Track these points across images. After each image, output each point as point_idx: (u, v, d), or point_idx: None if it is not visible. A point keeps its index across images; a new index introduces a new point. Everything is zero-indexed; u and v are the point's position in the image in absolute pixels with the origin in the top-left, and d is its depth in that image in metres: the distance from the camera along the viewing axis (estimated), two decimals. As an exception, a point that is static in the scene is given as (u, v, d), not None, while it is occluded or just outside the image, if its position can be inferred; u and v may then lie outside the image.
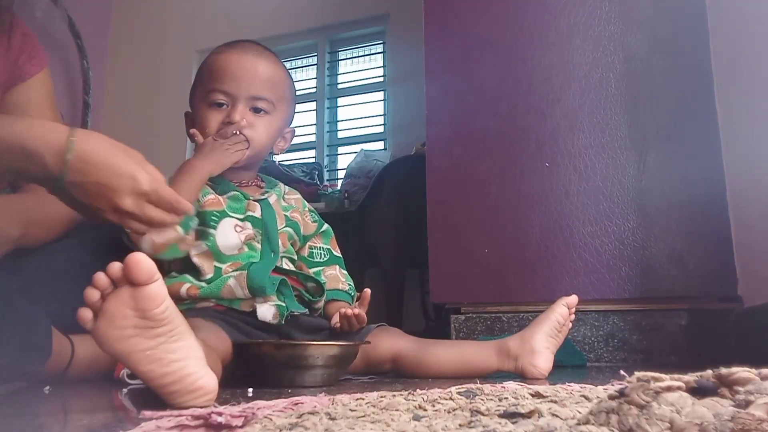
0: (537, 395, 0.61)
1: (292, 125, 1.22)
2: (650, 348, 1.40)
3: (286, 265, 1.11)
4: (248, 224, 1.08)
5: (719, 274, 1.37)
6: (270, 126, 1.12)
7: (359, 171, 2.78)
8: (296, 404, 0.57)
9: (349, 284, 1.20)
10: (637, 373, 0.38)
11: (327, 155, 3.34)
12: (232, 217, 1.07)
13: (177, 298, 0.99)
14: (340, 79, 3.46)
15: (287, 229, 1.14)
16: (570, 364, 1.28)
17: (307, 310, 1.09)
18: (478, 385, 0.67)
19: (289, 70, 1.20)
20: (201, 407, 0.55)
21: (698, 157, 1.43)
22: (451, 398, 0.58)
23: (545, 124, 1.56)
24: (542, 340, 1.01)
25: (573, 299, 1.06)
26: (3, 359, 0.73)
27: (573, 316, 1.07)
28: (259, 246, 1.07)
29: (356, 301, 1.13)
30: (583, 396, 0.60)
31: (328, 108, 3.41)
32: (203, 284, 1.01)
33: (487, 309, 1.54)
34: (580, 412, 0.46)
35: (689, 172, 1.43)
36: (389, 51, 3.26)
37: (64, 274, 0.94)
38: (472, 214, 1.58)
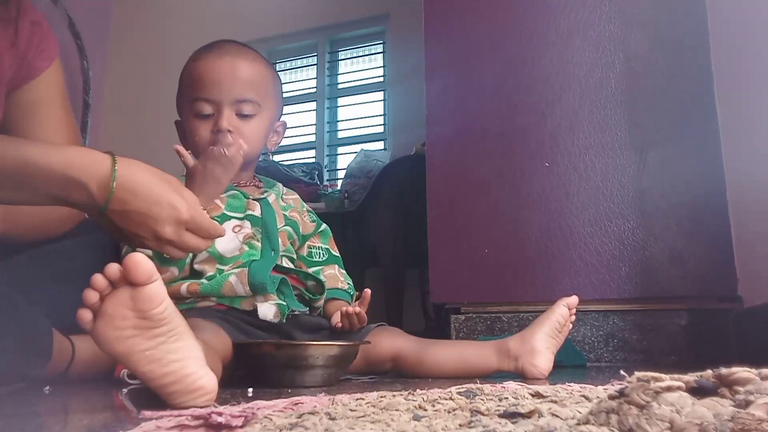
0: (537, 395, 0.61)
1: (284, 120, 1.21)
2: (650, 348, 1.40)
3: (286, 263, 1.11)
4: (247, 223, 1.08)
5: (719, 274, 1.37)
6: (258, 126, 1.10)
7: (359, 171, 2.78)
8: (296, 404, 0.57)
9: (348, 283, 1.20)
10: (637, 373, 0.38)
11: (327, 155, 3.34)
12: (232, 217, 1.07)
13: (178, 297, 0.99)
14: (340, 79, 3.46)
15: (287, 227, 1.14)
16: (570, 364, 1.28)
17: (307, 309, 1.09)
18: (478, 385, 0.67)
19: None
20: (201, 407, 0.55)
21: (698, 157, 1.43)
22: (451, 398, 0.58)
23: (545, 124, 1.56)
24: (542, 340, 1.01)
25: (573, 299, 1.06)
26: (4, 362, 0.73)
27: (573, 317, 1.07)
28: (258, 244, 1.07)
29: (355, 300, 1.13)
30: (583, 396, 0.60)
31: (328, 108, 3.41)
32: (204, 281, 1.01)
33: (487, 309, 1.54)
34: (580, 412, 0.46)
35: (689, 172, 1.43)
36: (389, 51, 3.26)
37: (64, 274, 0.93)
38: (472, 214, 1.58)
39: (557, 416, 0.47)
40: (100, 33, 3.31)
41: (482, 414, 0.49)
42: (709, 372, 0.38)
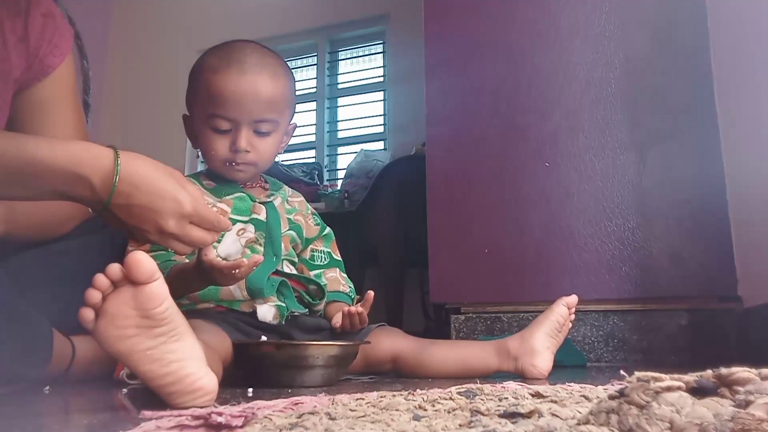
0: (537, 395, 0.61)
1: (294, 122, 1.21)
2: (650, 348, 1.40)
3: (287, 268, 1.11)
4: (251, 227, 1.08)
5: (719, 274, 1.37)
6: (275, 142, 1.10)
7: (359, 171, 2.78)
8: (296, 404, 0.57)
9: (350, 287, 1.20)
10: (637, 373, 0.38)
11: (327, 155, 3.34)
12: (237, 220, 1.07)
13: (177, 300, 0.99)
14: (340, 79, 3.46)
15: (290, 232, 1.14)
16: (570, 364, 1.28)
17: (306, 310, 1.09)
18: (478, 385, 0.67)
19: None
20: (201, 407, 0.55)
21: (698, 157, 1.43)
22: (451, 398, 0.58)
23: (545, 124, 1.56)
24: (542, 340, 1.01)
25: (573, 299, 1.06)
26: (4, 362, 0.73)
27: (573, 316, 1.06)
28: (260, 249, 1.07)
29: (357, 302, 1.12)
30: (583, 396, 0.60)
31: (328, 108, 3.41)
32: (202, 285, 1.01)
33: (487, 309, 1.54)
34: (580, 412, 0.46)
35: (689, 172, 1.43)
36: (389, 51, 3.26)
37: (65, 274, 0.93)
38: (472, 214, 1.58)
39: (557, 416, 0.47)
40: (100, 33, 3.31)
41: (482, 414, 0.49)
42: (709, 372, 0.38)
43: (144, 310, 0.56)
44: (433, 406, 0.54)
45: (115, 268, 0.56)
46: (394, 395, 0.62)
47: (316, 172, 3.03)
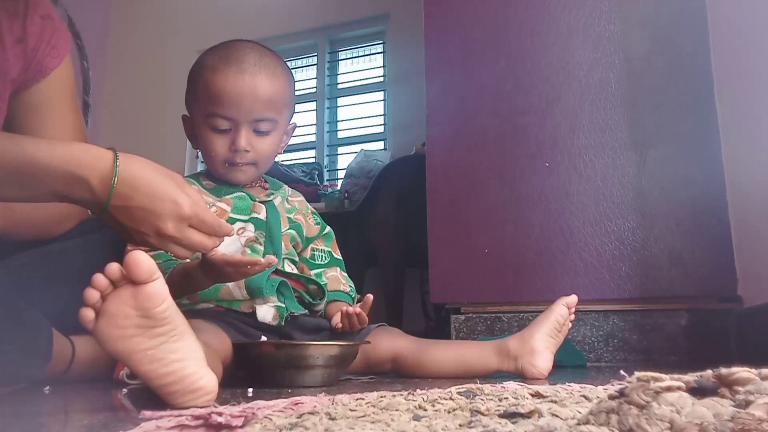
0: (537, 395, 0.61)
1: (294, 122, 1.21)
2: (650, 348, 1.40)
3: (288, 267, 1.11)
4: (251, 226, 1.08)
5: (719, 274, 1.37)
6: (275, 141, 1.10)
7: (359, 171, 2.78)
8: (296, 404, 0.57)
9: (350, 286, 1.20)
10: (637, 373, 0.38)
11: (327, 155, 3.34)
12: (237, 219, 1.07)
13: (177, 300, 0.99)
14: (340, 79, 3.46)
15: (290, 231, 1.14)
16: (570, 364, 1.28)
17: (306, 311, 1.09)
18: (478, 385, 0.67)
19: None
20: (201, 407, 0.55)
21: (698, 157, 1.43)
22: (451, 398, 0.58)
23: (545, 124, 1.56)
24: (542, 340, 1.01)
25: (573, 299, 1.06)
26: (4, 363, 0.73)
27: (573, 316, 1.06)
28: (260, 248, 1.07)
29: (357, 302, 1.12)
30: (583, 396, 0.60)
31: (328, 108, 3.41)
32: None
33: (487, 309, 1.54)
34: (580, 412, 0.46)
35: (689, 172, 1.43)
36: (389, 51, 3.26)
37: (64, 274, 0.93)
38: (472, 214, 1.58)
39: (557, 416, 0.47)
40: (100, 33, 3.31)
41: (482, 414, 0.49)
42: (709, 372, 0.38)
43: (144, 310, 0.56)
44: (433, 406, 0.54)
45: (114, 268, 0.56)
46: (394, 395, 0.62)
47: (316, 172, 3.03)
